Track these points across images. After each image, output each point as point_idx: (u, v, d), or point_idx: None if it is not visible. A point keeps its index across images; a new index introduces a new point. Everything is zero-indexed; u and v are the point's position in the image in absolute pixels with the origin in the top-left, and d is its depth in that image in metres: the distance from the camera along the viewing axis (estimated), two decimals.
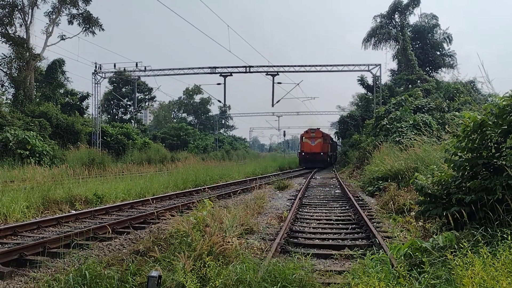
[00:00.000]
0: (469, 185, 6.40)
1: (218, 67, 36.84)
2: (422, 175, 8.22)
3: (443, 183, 7.17)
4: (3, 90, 37.63)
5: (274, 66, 37.01)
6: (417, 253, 5.74)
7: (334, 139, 60.93)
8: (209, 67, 37.03)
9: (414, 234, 7.98)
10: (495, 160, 6.54)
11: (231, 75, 36.93)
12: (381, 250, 6.91)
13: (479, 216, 6.24)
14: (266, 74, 36.99)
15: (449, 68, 49.95)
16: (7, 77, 37.23)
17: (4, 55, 36.74)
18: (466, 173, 6.91)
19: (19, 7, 36.07)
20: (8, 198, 11.65)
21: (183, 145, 61.44)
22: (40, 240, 8.32)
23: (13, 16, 35.90)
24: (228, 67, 36.85)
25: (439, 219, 7.27)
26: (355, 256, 7.12)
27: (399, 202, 11.69)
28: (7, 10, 35.33)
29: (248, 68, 36.71)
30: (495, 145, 6.61)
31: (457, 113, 24.51)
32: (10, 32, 35.82)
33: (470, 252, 4.96)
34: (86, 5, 39.23)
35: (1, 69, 36.91)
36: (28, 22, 36.71)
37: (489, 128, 6.47)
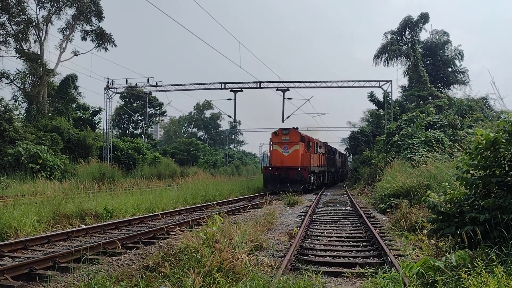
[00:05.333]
0: (483, 204, 6.30)
1: (228, 83, 37.03)
2: (435, 192, 8.13)
3: (456, 201, 7.08)
4: (16, 104, 38.14)
5: (285, 81, 37.13)
6: (429, 272, 5.65)
7: (338, 150, 53.61)
8: (220, 83, 37.25)
9: (426, 252, 7.86)
10: (509, 179, 6.45)
11: (242, 91, 37.11)
12: (393, 269, 6.81)
13: (493, 235, 6.14)
14: (276, 90, 37.10)
15: (461, 84, 49.71)
16: (20, 92, 37.80)
17: (18, 70, 37.42)
18: (478, 191, 6.82)
19: (34, 24, 36.70)
20: (19, 212, 11.70)
21: (193, 160, 61.62)
22: (50, 254, 8.32)
23: (28, 32, 36.51)
24: (239, 82, 37.03)
25: (452, 237, 7.17)
26: (366, 274, 7.02)
27: (411, 219, 11.55)
28: (22, 26, 35.98)
29: (258, 83, 36.86)
30: (509, 163, 6.53)
31: (470, 130, 24.31)
32: (24, 47, 36.45)
33: (484, 272, 4.87)
34: (99, 22, 39.91)
35: (15, 84, 37.48)
36: (43, 38, 37.36)
37: (502, 146, 6.39)
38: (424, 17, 46.39)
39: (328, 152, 40.63)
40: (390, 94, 37.79)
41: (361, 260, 8.52)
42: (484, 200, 6.39)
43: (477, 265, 5.18)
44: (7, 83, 37.09)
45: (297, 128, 31.01)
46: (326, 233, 12.06)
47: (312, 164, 30.75)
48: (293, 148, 29.16)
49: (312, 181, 30.37)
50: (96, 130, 45.15)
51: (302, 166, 28.70)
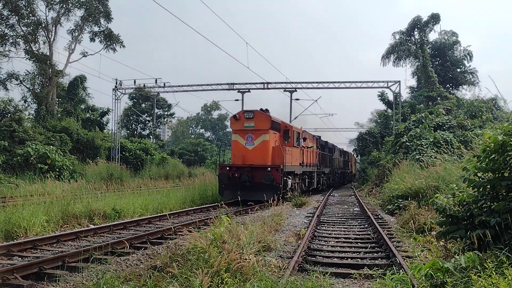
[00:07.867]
0: (494, 207, 6.24)
1: (236, 84, 37.10)
2: (443, 194, 8.07)
3: (465, 203, 7.01)
4: (26, 105, 38.45)
5: (292, 82, 37.16)
6: (438, 274, 5.61)
7: (340, 148, 48.49)
8: (227, 84, 37.32)
9: (435, 254, 7.82)
10: None
11: (249, 92, 37.14)
12: (401, 270, 6.77)
13: (503, 238, 6.08)
14: (284, 91, 37.13)
15: (470, 85, 49.41)
16: (30, 93, 38.08)
17: (28, 71, 37.71)
18: (486, 193, 6.76)
19: (43, 25, 36.97)
20: (28, 212, 11.77)
21: (200, 161, 61.68)
22: (59, 254, 8.36)
23: (37, 34, 36.80)
24: (246, 83, 37.09)
25: (461, 239, 7.12)
26: (374, 276, 6.99)
27: (420, 221, 11.48)
28: (31, 28, 36.27)
29: (266, 84, 36.88)
30: None
31: (479, 131, 24.13)
32: (34, 49, 36.73)
33: (494, 273, 4.83)
34: (108, 23, 40.06)
35: (25, 85, 37.77)
36: (52, 40, 37.58)
37: (510, 149, 6.32)
38: (435, 18, 46.16)
39: (322, 147, 32.75)
40: (399, 95, 37.65)
41: (369, 261, 8.49)
42: (493, 202, 6.34)
43: (487, 266, 5.14)
44: (17, 84, 37.48)
45: (267, 111, 21.27)
46: (334, 234, 12.02)
47: (290, 162, 21.67)
48: (260, 139, 20.39)
49: (289, 186, 21.30)
50: (105, 130, 45.40)
51: (273, 164, 20.09)
